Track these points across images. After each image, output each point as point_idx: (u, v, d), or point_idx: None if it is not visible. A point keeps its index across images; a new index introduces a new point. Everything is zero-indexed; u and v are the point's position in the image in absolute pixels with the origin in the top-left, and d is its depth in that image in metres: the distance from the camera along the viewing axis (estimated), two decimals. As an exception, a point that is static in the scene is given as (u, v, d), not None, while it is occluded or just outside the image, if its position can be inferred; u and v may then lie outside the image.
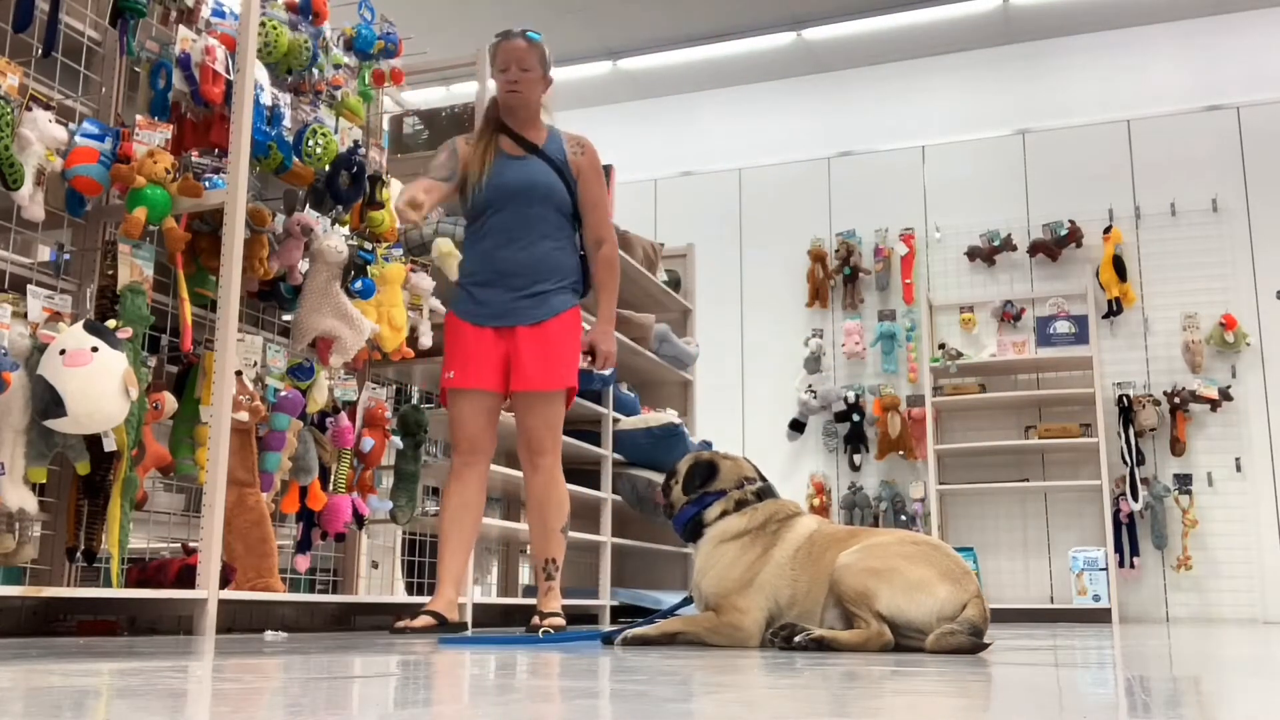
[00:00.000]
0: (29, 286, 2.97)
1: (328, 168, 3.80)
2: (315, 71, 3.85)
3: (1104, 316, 7.87)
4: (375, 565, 4.82)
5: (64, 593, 2.95)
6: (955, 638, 2.43)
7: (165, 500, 3.76)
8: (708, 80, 9.20)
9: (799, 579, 2.75)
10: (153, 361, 3.27)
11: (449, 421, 3.59)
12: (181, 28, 3.43)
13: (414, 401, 4.86)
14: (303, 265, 3.76)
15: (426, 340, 4.23)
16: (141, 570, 3.29)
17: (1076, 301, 7.94)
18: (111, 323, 2.90)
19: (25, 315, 2.84)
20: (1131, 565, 7.48)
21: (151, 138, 3.20)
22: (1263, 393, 7.52)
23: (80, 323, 2.85)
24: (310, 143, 3.73)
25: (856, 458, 8.23)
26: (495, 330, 3.52)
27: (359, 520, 4.02)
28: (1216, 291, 7.71)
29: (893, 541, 2.68)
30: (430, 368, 4.68)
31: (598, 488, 5.38)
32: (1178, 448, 7.55)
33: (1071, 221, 8.02)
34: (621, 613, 5.51)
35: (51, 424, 2.74)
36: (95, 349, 2.77)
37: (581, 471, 5.30)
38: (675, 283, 6.64)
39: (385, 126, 4.85)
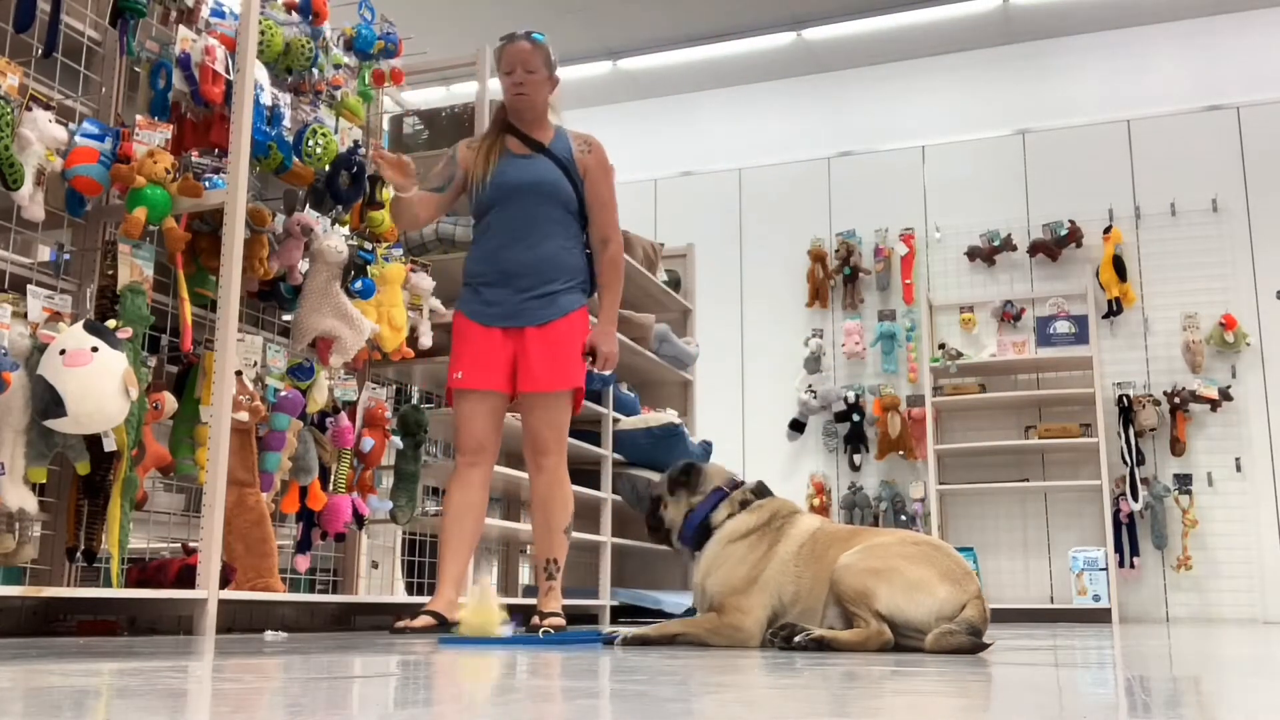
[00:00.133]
0: (29, 286, 2.97)
1: (328, 168, 3.80)
2: (315, 71, 3.85)
3: (1104, 316, 7.87)
4: (375, 565, 4.82)
5: (64, 593, 2.95)
6: (955, 638, 2.43)
7: (165, 500, 3.76)
8: (708, 80, 9.20)
9: (802, 575, 2.75)
10: (153, 361, 3.27)
11: (454, 421, 3.59)
12: (181, 28, 3.43)
13: (414, 401, 4.86)
14: (303, 265, 3.76)
15: (426, 340, 4.23)
16: (141, 570, 3.28)
17: (1076, 301, 7.94)
18: (111, 323, 2.90)
19: (25, 315, 2.84)
20: (1131, 565, 7.48)
21: (151, 138, 3.19)
22: (1263, 393, 7.52)
23: (80, 323, 2.85)
24: (310, 143, 3.73)
25: (856, 458, 8.23)
26: (503, 330, 3.52)
27: (359, 520, 4.02)
28: (1216, 291, 7.70)
29: (894, 542, 2.68)
30: (430, 368, 4.68)
31: (598, 488, 5.38)
32: (1178, 448, 7.55)
33: (1071, 221, 8.02)
34: (621, 613, 5.51)
35: (51, 424, 2.74)
36: (95, 349, 2.77)
37: (581, 471, 5.30)
38: (675, 283, 6.64)
39: (385, 126, 4.85)
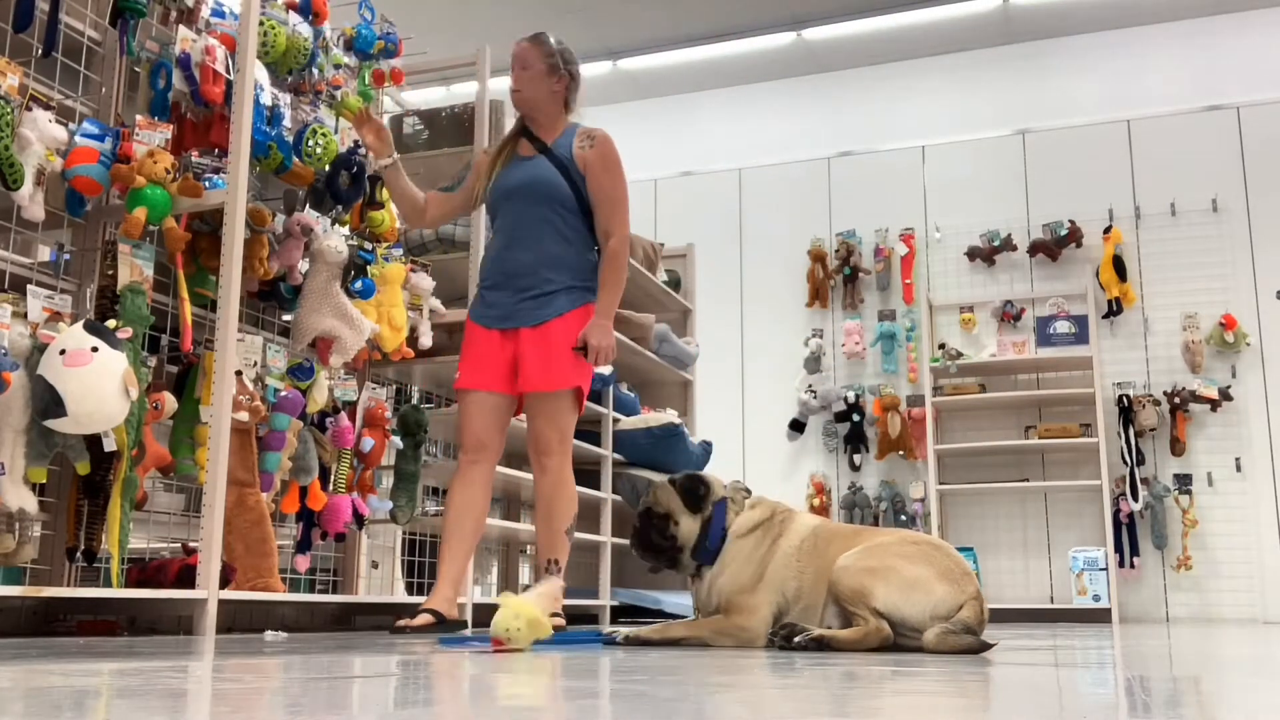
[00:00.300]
0: (29, 286, 2.97)
1: (328, 168, 3.80)
2: (315, 71, 3.86)
3: (1104, 316, 7.87)
4: (375, 565, 4.82)
5: (64, 593, 2.95)
6: (959, 638, 2.43)
7: (165, 500, 3.76)
8: (708, 80, 9.20)
9: (805, 571, 2.76)
10: (153, 361, 3.27)
11: (457, 420, 3.60)
12: (181, 28, 3.43)
13: (414, 401, 4.86)
14: (303, 265, 3.76)
15: (426, 340, 4.23)
16: (141, 570, 3.29)
17: (1076, 301, 7.94)
18: (111, 323, 2.90)
19: (25, 315, 2.84)
20: (1131, 565, 7.48)
21: (151, 138, 3.20)
22: (1263, 393, 7.52)
23: (80, 323, 2.85)
24: (310, 143, 3.73)
25: (856, 458, 8.23)
26: (502, 332, 3.54)
27: (359, 520, 4.02)
28: (1216, 291, 7.70)
29: (893, 541, 2.69)
30: (430, 368, 4.68)
31: (598, 488, 5.38)
32: (1178, 448, 7.55)
33: (1071, 221, 8.02)
34: (621, 612, 5.51)
35: (51, 424, 2.74)
36: (95, 349, 2.77)
37: (581, 471, 5.29)
38: (675, 283, 6.64)
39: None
